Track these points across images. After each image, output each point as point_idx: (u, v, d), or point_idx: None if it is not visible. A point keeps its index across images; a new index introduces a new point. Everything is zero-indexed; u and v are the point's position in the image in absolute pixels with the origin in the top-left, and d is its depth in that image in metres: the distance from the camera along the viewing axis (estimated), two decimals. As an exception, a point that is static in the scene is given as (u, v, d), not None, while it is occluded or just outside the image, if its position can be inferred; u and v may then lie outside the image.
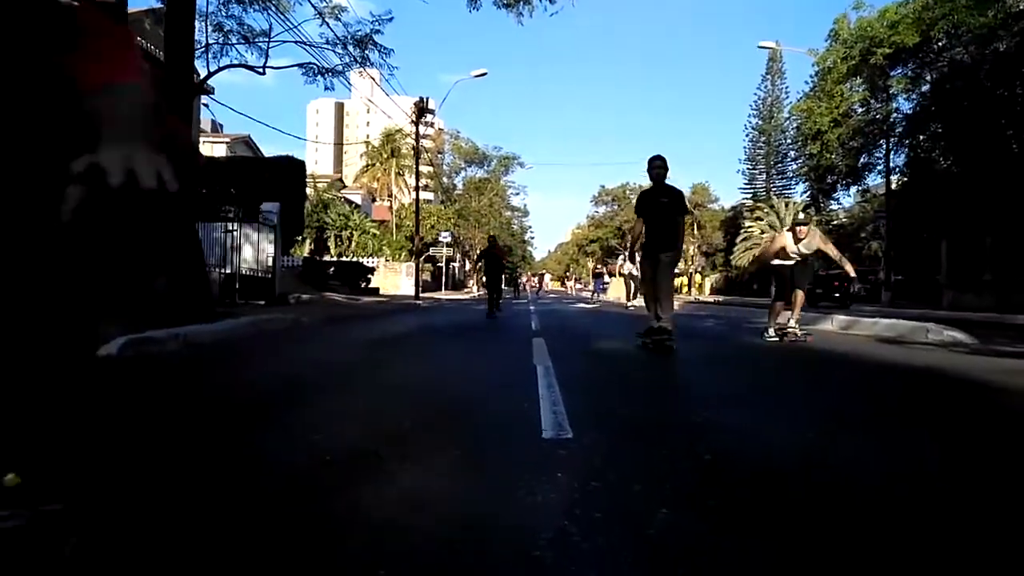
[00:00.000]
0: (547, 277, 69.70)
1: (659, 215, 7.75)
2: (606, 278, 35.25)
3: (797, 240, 8.72)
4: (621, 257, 30.60)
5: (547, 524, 1.97)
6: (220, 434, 3.24)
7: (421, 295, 28.98)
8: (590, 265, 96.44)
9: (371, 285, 30.38)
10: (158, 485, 2.39)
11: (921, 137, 26.44)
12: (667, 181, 7.87)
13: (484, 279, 16.11)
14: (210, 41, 13.56)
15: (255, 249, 17.48)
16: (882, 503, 2.25)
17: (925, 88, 25.78)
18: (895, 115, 27.04)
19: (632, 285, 21.16)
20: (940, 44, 24.46)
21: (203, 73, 13.89)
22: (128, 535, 1.91)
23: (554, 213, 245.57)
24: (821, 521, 2.06)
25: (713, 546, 1.83)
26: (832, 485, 2.46)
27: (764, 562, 1.76)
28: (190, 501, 2.21)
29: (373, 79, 20.95)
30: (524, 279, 69.60)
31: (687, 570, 1.68)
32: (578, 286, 74.95)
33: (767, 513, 2.11)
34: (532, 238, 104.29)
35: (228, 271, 16.06)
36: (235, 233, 16.42)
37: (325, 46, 14.97)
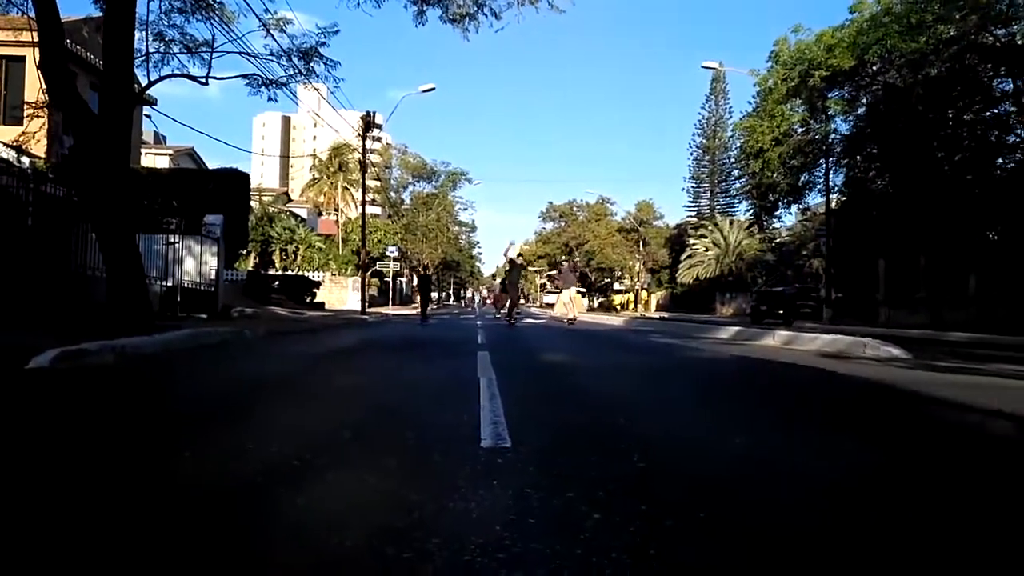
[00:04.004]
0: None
1: None
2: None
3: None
4: None
5: (480, 530, 1.97)
6: (147, 445, 3.16)
7: (368, 310, 28.72)
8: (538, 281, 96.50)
9: (316, 299, 30.15)
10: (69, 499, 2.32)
11: (858, 157, 27.30)
12: None
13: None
14: (151, 50, 13.19)
15: (197, 262, 17.14)
16: (814, 505, 2.31)
17: (861, 110, 26.66)
18: (833, 135, 27.89)
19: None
20: (875, 68, 25.37)
21: (144, 83, 13.57)
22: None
23: (502, 229, 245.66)
24: (754, 526, 2.10)
25: (643, 548, 1.85)
26: (764, 489, 2.52)
27: (695, 564, 1.79)
28: (113, 510, 2.15)
29: (320, 93, 20.75)
30: (483, 294, 64.56)
31: (616, 570, 1.70)
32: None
33: (698, 517, 2.14)
34: (480, 253, 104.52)
35: (169, 284, 15.72)
36: (177, 245, 16.08)
37: (270, 58, 14.70)
